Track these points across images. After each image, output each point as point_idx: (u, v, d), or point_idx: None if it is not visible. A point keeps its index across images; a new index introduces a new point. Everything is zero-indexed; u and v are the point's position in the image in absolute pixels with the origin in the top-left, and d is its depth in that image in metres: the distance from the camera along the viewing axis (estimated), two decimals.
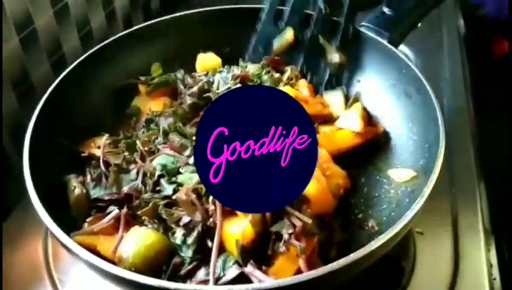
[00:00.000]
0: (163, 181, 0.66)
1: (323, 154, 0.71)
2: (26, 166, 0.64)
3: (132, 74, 0.85)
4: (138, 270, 0.55)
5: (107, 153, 0.71)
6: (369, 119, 0.81)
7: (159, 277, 0.59)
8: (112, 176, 0.68)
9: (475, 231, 0.76)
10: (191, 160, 0.66)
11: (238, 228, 0.59)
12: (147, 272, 0.57)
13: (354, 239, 0.67)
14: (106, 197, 0.67)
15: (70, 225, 0.63)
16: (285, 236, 0.59)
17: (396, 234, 0.56)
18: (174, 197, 0.63)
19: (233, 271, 0.58)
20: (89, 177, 0.69)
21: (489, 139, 0.99)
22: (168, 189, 0.65)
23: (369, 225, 0.70)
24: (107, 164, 0.70)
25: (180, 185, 0.64)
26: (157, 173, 0.66)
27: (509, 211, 1.04)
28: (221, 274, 0.59)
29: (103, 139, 0.73)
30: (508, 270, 0.75)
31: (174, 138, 0.71)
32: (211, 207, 0.61)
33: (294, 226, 0.60)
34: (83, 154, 0.73)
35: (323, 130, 0.79)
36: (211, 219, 0.61)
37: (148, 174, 0.67)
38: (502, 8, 1.51)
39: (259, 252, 0.60)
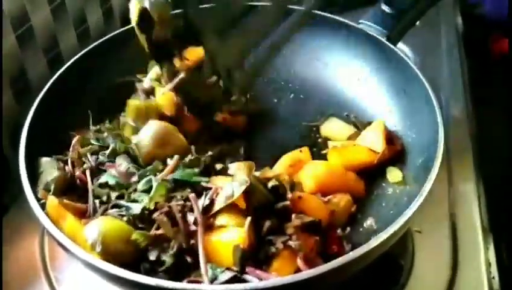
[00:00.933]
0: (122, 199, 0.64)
1: (335, 169, 0.71)
2: (23, 164, 0.63)
3: (129, 72, 0.84)
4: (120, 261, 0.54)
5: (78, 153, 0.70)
6: (388, 135, 0.77)
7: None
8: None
9: (474, 230, 0.76)
10: (140, 186, 0.64)
11: (235, 234, 0.59)
12: (119, 256, 0.57)
13: (353, 237, 0.67)
14: None
15: None
16: (280, 246, 0.59)
17: (395, 232, 0.56)
18: (154, 217, 0.60)
19: (226, 274, 0.57)
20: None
21: (488, 138, 0.99)
22: (134, 208, 0.62)
23: (368, 223, 0.70)
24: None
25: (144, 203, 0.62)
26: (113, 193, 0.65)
27: (508, 210, 1.04)
28: (214, 277, 0.57)
29: (74, 140, 0.72)
30: (507, 269, 0.75)
31: (122, 161, 0.68)
32: (192, 227, 0.59)
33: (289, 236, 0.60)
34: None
35: (333, 145, 0.77)
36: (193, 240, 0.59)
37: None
38: (501, 7, 1.50)
39: (256, 256, 0.59)
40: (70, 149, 0.71)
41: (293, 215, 0.61)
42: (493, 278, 0.71)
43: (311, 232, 0.61)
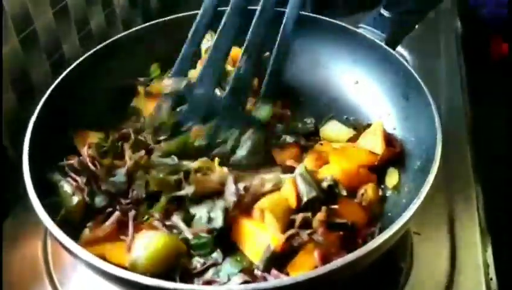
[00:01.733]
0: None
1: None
2: (26, 167, 0.64)
3: (132, 75, 0.85)
4: (152, 274, 0.55)
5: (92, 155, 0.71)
6: (387, 137, 0.78)
7: (170, 277, 0.60)
8: (104, 178, 0.68)
9: (472, 231, 0.76)
10: None
11: (272, 234, 0.60)
12: (160, 274, 0.57)
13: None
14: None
15: (71, 225, 0.64)
16: (304, 237, 0.60)
17: (393, 234, 0.56)
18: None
19: (238, 278, 0.59)
20: (80, 181, 0.68)
21: (486, 140, 0.99)
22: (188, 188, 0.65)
23: None
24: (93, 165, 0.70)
25: None
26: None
27: (507, 212, 1.04)
28: (226, 281, 0.59)
29: (87, 143, 0.72)
30: (505, 270, 0.76)
31: None
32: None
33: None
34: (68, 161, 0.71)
35: (334, 146, 0.77)
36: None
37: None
38: (501, 10, 1.51)
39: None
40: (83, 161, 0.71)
41: (323, 208, 0.63)
42: (491, 279, 0.72)
43: (337, 229, 0.62)
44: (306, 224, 0.62)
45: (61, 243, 0.57)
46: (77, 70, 0.79)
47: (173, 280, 0.60)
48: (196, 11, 0.90)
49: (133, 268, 0.59)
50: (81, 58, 0.80)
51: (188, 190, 0.64)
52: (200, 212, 0.64)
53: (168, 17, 0.90)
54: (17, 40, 0.83)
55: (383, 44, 0.82)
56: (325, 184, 0.65)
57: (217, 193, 0.65)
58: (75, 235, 0.61)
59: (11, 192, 0.81)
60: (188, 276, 0.61)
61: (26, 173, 0.63)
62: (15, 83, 0.84)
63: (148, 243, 0.60)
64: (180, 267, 0.61)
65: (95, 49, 0.82)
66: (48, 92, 0.74)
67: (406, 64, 0.78)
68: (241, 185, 0.64)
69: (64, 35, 0.95)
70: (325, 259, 0.58)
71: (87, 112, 0.79)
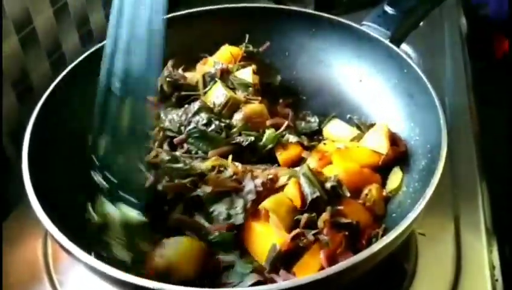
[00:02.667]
0: None
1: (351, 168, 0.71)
2: (26, 167, 0.63)
3: None
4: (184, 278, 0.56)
5: None
6: (391, 136, 0.77)
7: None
8: None
9: (477, 232, 0.76)
10: None
11: (278, 234, 0.60)
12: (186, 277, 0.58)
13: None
14: None
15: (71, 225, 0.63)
16: (310, 237, 0.60)
17: (398, 235, 0.56)
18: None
19: (250, 279, 0.59)
20: None
21: (491, 139, 0.99)
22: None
23: None
24: None
25: None
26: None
27: (510, 211, 1.03)
28: (239, 281, 0.59)
29: None
30: (511, 271, 0.75)
31: None
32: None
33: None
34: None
35: (338, 146, 0.76)
36: None
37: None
38: (502, 7, 1.50)
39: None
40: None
41: (328, 208, 0.62)
42: (497, 280, 0.71)
43: (342, 229, 0.61)
44: (311, 224, 0.61)
45: (60, 245, 0.56)
46: (77, 70, 0.78)
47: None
48: (197, 8, 0.90)
49: (165, 272, 0.59)
50: (80, 58, 0.79)
51: (204, 189, 0.64)
52: (218, 209, 0.64)
53: (168, 15, 0.89)
54: (17, 40, 0.82)
55: (387, 41, 0.81)
56: (328, 185, 0.64)
57: (235, 189, 0.65)
58: (74, 237, 0.60)
59: (11, 192, 0.81)
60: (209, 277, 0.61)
61: (26, 175, 0.63)
62: (15, 83, 0.83)
63: (175, 248, 0.61)
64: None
65: (94, 48, 0.81)
66: (47, 92, 0.73)
67: (410, 61, 0.78)
68: (258, 181, 0.64)
69: (64, 34, 0.94)
70: (331, 260, 0.58)
71: (87, 112, 0.78)
